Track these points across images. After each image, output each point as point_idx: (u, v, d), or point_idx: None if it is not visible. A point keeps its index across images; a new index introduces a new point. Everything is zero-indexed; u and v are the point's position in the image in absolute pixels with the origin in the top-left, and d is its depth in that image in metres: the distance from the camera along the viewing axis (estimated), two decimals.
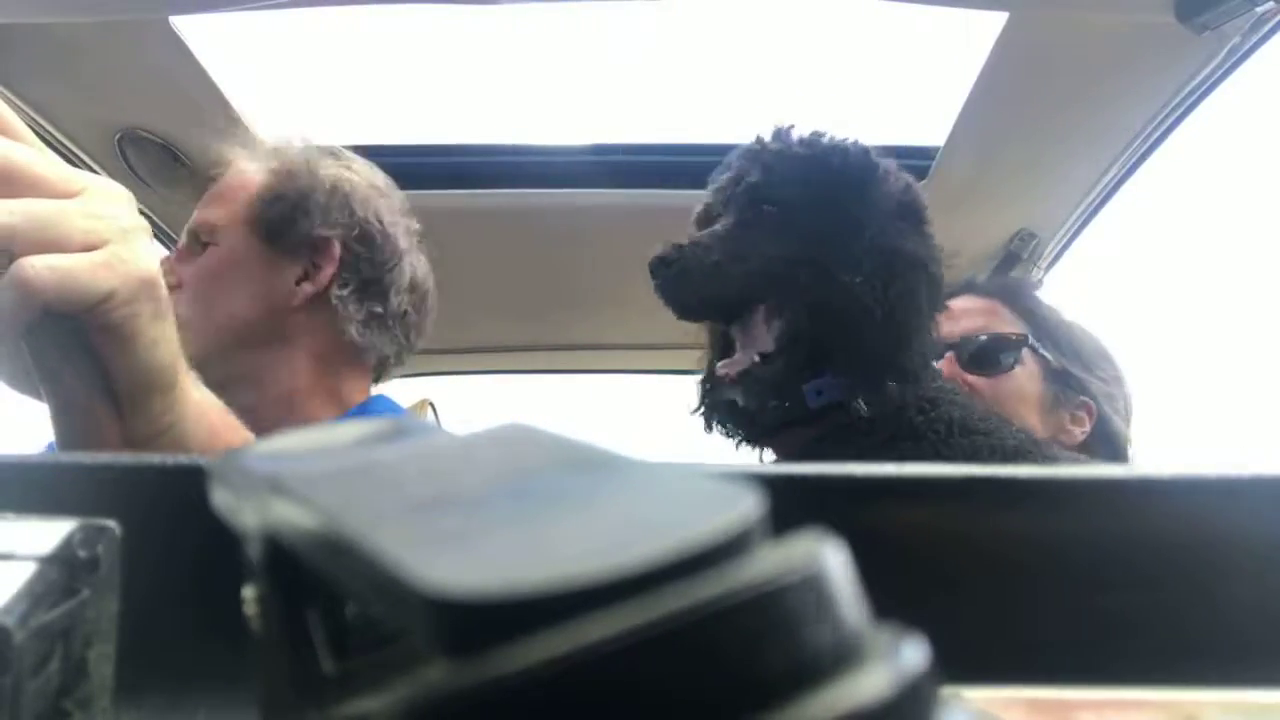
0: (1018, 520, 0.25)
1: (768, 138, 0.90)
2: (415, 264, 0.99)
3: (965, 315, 1.09)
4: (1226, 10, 0.94)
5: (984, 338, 1.08)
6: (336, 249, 0.92)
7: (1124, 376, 1.14)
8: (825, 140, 0.89)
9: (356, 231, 0.93)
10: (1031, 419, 1.05)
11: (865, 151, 0.88)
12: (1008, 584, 0.25)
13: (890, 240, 0.83)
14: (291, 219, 0.91)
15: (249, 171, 0.95)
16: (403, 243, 0.97)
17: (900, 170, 0.90)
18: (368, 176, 0.98)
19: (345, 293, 0.92)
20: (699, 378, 0.95)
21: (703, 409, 0.92)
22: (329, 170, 0.95)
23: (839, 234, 0.83)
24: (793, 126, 0.90)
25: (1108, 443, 1.09)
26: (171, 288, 0.89)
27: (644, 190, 1.41)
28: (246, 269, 0.90)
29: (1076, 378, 1.08)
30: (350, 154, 1.01)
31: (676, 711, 0.09)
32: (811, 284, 0.82)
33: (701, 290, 0.83)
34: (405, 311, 0.97)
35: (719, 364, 0.86)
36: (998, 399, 1.03)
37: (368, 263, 0.94)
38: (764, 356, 0.83)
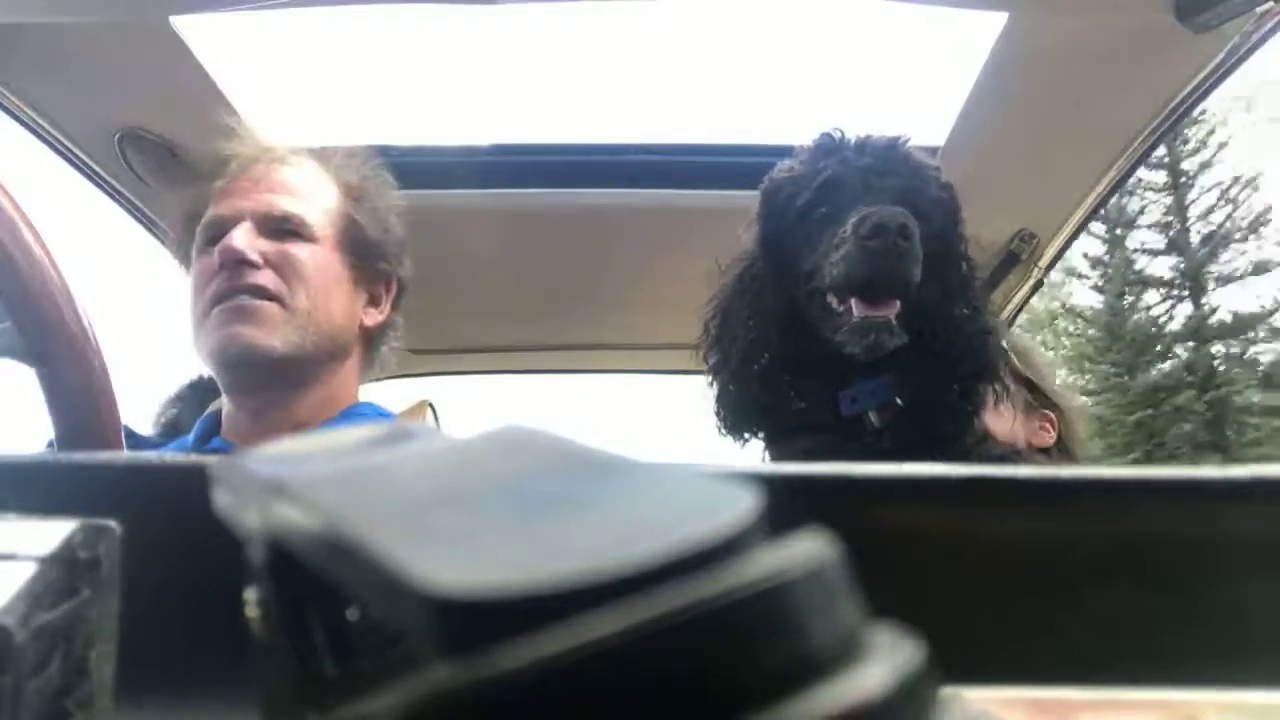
0: (1018, 520, 0.25)
1: (894, 137, 0.90)
2: None
3: None
4: (1226, 10, 0.94)
5: None
6: (396, 284, 1.02)
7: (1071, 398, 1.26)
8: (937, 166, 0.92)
9: (406, 270, 1.03)
10: (1016, 422, 1.12)
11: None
12: (1008, 584, 0.25)
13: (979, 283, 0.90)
14: (378, 252, 0.99)
15: (325, 179, 0.99)
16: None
17: None
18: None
19: (394, 319, 1.03)
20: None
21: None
22: (397, 214, 1.03)
23: (951, 262, 0.88)
24: (908, 139, 0.91)
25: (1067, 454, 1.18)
26: (247, 261, 0.88)
27: (645, 190, 1.41)
28: (339, 281, 0.95)
29: (1040, 389, 1.18)
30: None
31: (674, 709, 0.09)
32: (928, 303, 0.85)
33: (913, 269, 0.82)
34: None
35: (873, 310, 0.83)
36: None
37: (402, 303, 1.04)
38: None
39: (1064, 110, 1.19)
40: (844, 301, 0.82)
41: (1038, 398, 1.18)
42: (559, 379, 1.97)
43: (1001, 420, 1.06)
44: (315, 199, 0.96)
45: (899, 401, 0.85)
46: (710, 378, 0.94)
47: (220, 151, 0.98)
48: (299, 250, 0.91)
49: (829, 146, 0.89)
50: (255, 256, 0.89)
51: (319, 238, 0.93)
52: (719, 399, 0.92)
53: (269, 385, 0.92)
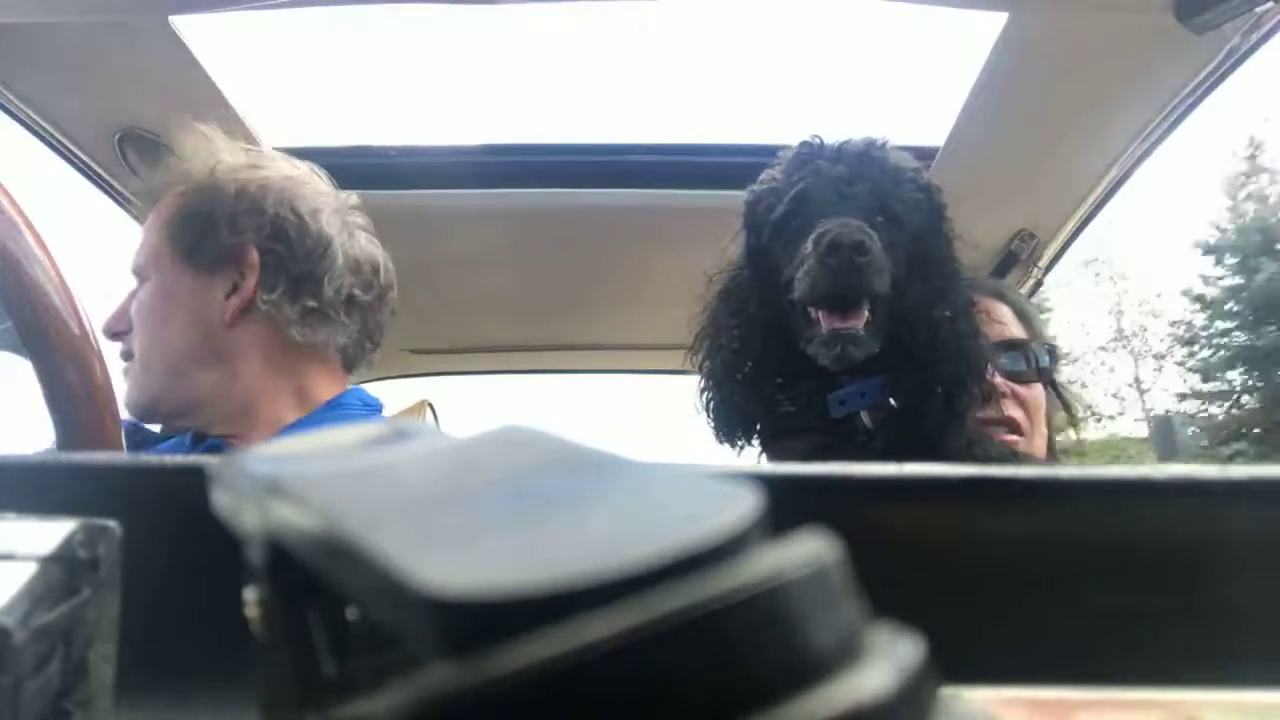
0: (1018, 520, 0.25)
1: (869, 141, 0.89)
2: (350, 245, 0.95)
3: (986, 319, 1.09)
4: (1226, 10, 0.94)
5: (1023, 345, 1.08)
6: (254, 254, 0.89)
7: None
8: (918, 167, 0.90)
9: (269, 230, 0.90)
10: (1044, 427, 1.08)
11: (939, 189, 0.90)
12: (1008, 584, 0.25)
13: (964, 283, 0.88)
14: (202, 235, 0.89)
15: (164, 200, 0.95)
16: (329, 227, 0.93)
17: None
18: (281, 170, 0.95)
19: (275, 295, 0.89)
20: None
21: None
22: (233, 175, 0.92)
23: (932, 264, 0.87)
24: (886, 141, 0.90)
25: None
26: (126, 332, 0.91)
27: (645, 190, 1.41)
28: (176, 297, 0.90)
29: (1059, 385, 1.13)
30: (267, 151, 0.99)
31: (674, 710, 0.09)
32: (910, 306, 0.84)
33: (874, 281, 0.80)
34: (350, 295, 0.93)
35: (840, 322, 0.82)
36: (1034, 404, 1.05)
37: (291, 258, 0.90)
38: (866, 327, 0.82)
39: (1064, 110, 1.19)
40: (815, 313, 0.83)
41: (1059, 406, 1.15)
42: (558, 379, 1.98)
43: (1040, 437, 1.05)
44: (150, 227, 0.94)
45: (892, 402, 0.85)
46: (701, 384, 0.94)
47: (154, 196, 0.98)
48: (140, 297, 0.92)
49: (806, 155, 0.89)
50: (116, 329, 0.93)
51: (152, 265, 0.92)
52: (709, 407, 0.93)
53: (172, 422, 0.95)
